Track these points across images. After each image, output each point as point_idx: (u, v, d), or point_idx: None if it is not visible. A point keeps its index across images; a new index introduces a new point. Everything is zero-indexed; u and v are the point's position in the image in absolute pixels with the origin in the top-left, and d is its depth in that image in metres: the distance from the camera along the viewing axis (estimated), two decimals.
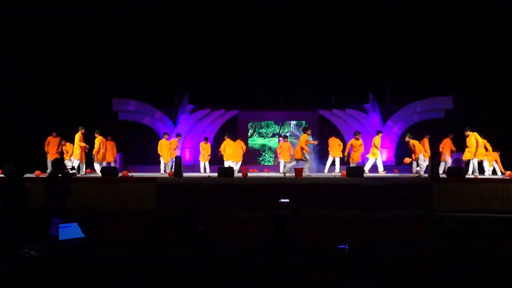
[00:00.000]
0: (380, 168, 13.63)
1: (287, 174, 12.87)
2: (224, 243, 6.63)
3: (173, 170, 12.84)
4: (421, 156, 12.64)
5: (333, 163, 14.66)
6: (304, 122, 18.50)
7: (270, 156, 18.53)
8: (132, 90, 17.59)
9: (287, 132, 18.55)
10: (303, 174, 12.26)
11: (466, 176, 11.50)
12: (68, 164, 13.32)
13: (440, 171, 12.87)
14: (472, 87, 16.12)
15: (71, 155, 13.62)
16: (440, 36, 16.70)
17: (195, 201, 10.24)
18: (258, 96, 18.47)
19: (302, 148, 12.59)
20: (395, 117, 17.53)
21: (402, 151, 16.13)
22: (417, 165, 12.94)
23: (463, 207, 10.01)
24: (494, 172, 13.42)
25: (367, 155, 13.90)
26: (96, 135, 13.54)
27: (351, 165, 13.32)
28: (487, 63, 15.84)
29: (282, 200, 6.53)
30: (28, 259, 4.23)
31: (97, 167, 13.55)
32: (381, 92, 18.06)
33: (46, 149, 14.06)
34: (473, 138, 12.21)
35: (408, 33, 16.72)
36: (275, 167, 17.11)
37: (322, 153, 15.75)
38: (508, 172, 12.15)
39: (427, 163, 12.36)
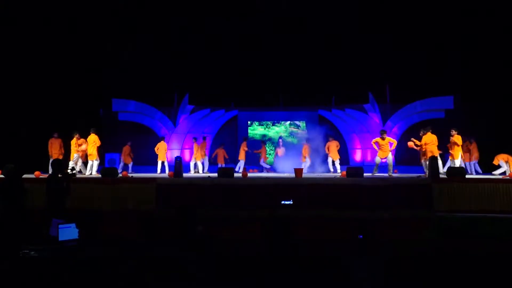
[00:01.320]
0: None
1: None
2: (224, 243, 6.61)
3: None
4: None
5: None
6: (304, 122, 18.51)
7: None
8: (132, 90, 17.62)
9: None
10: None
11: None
12: (70, 164, 13.31)
13: None
14: (472, 87, 16.11)
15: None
16: (440, 34, 16.70)
17: (195, 202, 10.24)
18: (258, 97, 18.48)
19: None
20: (395, 117, 17.55)
21: (403, 151, 16.16)
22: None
23: (463, 207, 10.00)
24: None
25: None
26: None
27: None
28: (488, 62, 15.82)
29: (284, 202, 6.33)
30: (28, 259, 4.23)
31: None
32: (381, 92, 18.07)
33: (50, 152, 13.72)
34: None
35: (407, 32, 16.72)
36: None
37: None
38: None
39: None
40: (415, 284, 5.00)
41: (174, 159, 12.41)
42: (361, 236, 4.16)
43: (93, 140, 13.34)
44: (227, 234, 8.11)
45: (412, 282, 5.02)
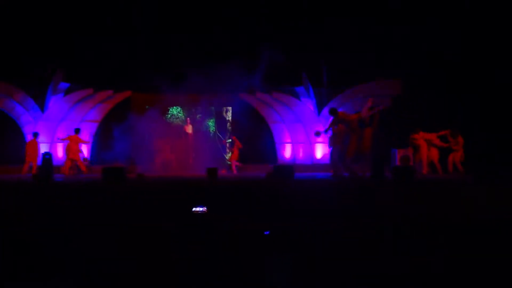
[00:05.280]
0: None
1: None
2: None
3: None
4: None
5: None
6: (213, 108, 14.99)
7: None
8: None
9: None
10: None
11: None
12: None
13: None
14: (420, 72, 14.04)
15: None
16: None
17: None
18: (158, 74, 14.06)
19: None
20: (333, 103, 14.43)
21: None
22: None
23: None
24: None
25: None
26: None
27: None
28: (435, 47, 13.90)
29: (196, 209, 4.42)
30: None
31: None
32: (317, 73, 15.22)
33: None
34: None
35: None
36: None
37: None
38: None
39: None
40: None
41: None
42: (267, 233, 3.35)
43: None
44: None
45: None
